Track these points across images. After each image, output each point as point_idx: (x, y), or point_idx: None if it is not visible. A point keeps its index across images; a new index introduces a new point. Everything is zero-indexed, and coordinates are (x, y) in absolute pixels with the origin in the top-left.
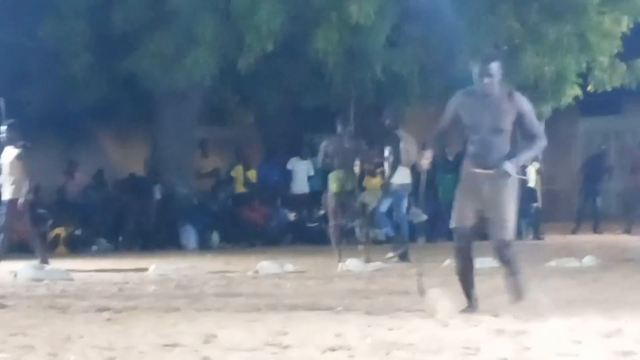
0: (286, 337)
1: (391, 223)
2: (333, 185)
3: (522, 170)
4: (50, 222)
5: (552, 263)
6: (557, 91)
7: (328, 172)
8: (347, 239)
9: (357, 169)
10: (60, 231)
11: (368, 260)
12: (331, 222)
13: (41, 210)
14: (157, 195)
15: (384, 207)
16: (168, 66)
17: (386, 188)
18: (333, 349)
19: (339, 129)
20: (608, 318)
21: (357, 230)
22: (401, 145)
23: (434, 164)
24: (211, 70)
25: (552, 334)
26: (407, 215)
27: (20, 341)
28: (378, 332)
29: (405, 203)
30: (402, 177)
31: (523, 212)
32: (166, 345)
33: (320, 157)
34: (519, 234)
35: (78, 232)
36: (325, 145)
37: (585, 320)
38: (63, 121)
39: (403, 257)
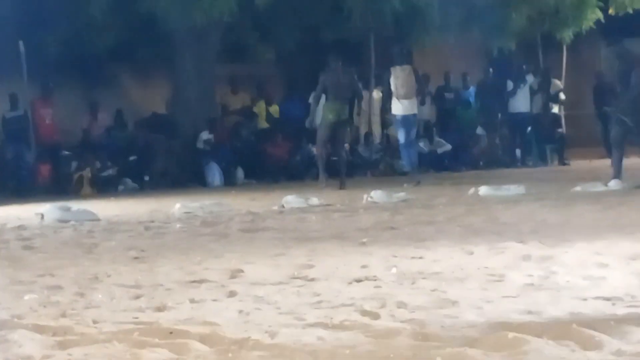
0: (312, 270)
1: (407, 154)
2: (329, 115)
3: (555, 96)
4: (75, 163)
5: (578, 188)
6: (578, 16)
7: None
8: (371, 171)
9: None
10: (86, 172)
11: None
12: (320, 150)
13: (65, 152)
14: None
15: (401, 138)
16: (186, 5)
17: (388, 121)
18: (359, 280)
19: (333, 63)
20: (634, 241)
21: (341, 160)
22: (391, 79)
23: (456, 94)
24: (229, 7)
25: (578, 258)
26: (415, 144)
27: (47, 282)
28: (403, 263)
29: (412, 132)
30: (401, 109)
31: (548, 138)
32: (192, 282)
33: (318, 90)
34: (544, 160)
35: (107, 172)
36: (322, 79)
37: (611, 243)
38: (83, 63)
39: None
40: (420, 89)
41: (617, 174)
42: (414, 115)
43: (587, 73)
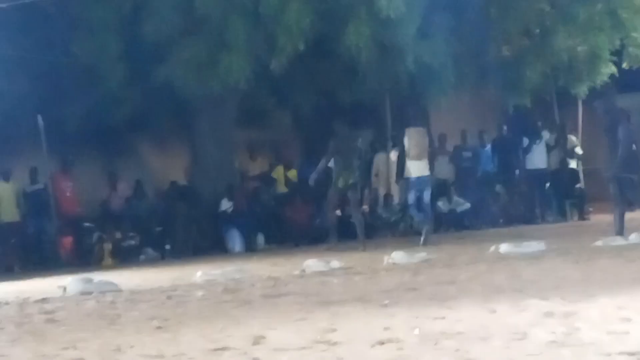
0: (335, 334)
1: (419, 213)
2: (338, 182)
3: (572, 152)
4: (97, 234)
5: (599, 242)
6: (592, 70)
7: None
8: (392, 232)
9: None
10: (107, 243)
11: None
12: (331, 214)
13: (87, 224)
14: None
15: (410, 199)
16: (202, 73)
17: (401, 184)
18: (382, 343)
19: (339, 129)
20: None
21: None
22: (405, 140)
23: (473, 153)
24: (245, 74)
25: (601, 313)
26: (429, 205)
27: (71, 355)
28: (426, 323)
29: (426, 193)
30: (415, 170)
31: (567, 193)
32: (216, 350)
33: (328, 156)
34: (564, 216)
35: (128, 242)
36: (331, 144)
37: (634, 297)
38: (102, 135)
39: (426, 242)
40: (432, 152)
41: (620, 231)
42: (427, 176)
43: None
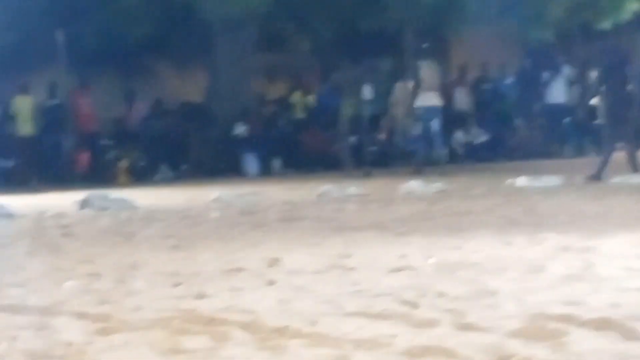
0: (350, 259)
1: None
2: (347, 111)
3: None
4: (113, 152)
5: (617, 179)
6: (616, 6)
7: (387, 96)
8: (409, 162)
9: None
10: (123, 161)
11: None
12: (343, 142)
13: (104, 141)
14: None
15: (417, 130)
16: None
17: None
18: (397, 270)
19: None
20: None
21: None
22: (420, 72)
23: (494, 85)
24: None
25: (617, 249)
26: (438, 136)
27: (87, 269)
28: (442, 253)
29: (435, 123)
30: (424, 100)
31: (586, 129)
32: (231, 270)
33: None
34: (582, 151)
35: (142, 161)
36: (334, 77)
37: None
38: (120, 53)
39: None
40: (451, 83)
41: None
42: (436, 107)
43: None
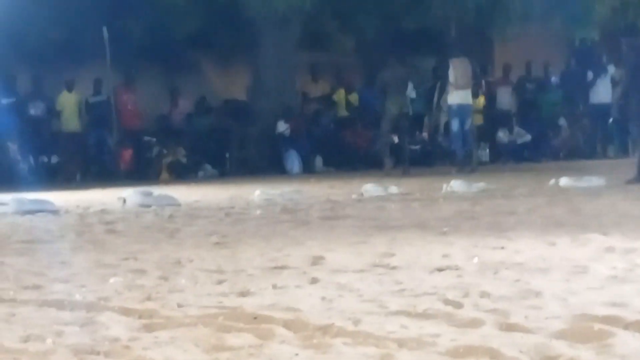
0: (393, 259)
1: (461, 142)
2: (392, 108)
3: None
4: (157, 149)
5: None
6: None
7: (427, 96)
8: (451, 161)
9: None
10: (167, 158)
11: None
12: (385, 140)
13: (147, 138)
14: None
15: (454, 127)
16: None
17: (440, 110)
18: (440, 269)
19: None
20: None
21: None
22: (450, 71)
23: (538, 84)
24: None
25: None
26: (469, 134)
27: (131, 265)
28: (485, 253)
29: (467, 121)
30: (457, 98)
31: (630, 128)
32: (274, 268)
33: (377, 86)
34: (626, 151)
35: (185, 159)
36: (380, 76)
37: None
38: (165, 50)
39: (461, 170)
40: (476, 82)
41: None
42: (469, 105)
43: None
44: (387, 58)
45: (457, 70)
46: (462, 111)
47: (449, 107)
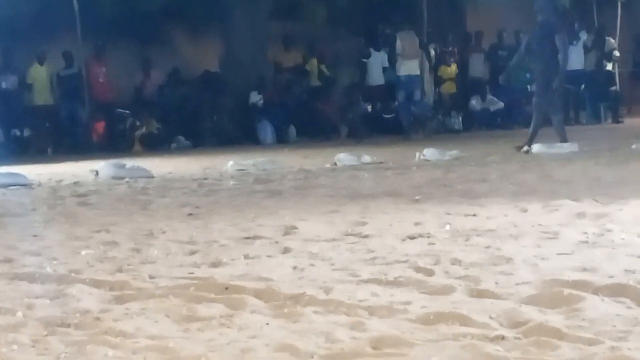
0: (365, 227)
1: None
2: (343, 79)
3: (609, 54)
4: (129, 121)
5: (633, 146)
6: None
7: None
8: (423, 129)
9: None
10: (140, 130)
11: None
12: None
13: (120, 110)
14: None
15: (400, 98)
16: None
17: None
18: (413, 237)
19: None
20: None
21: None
22: (397, 43)
23: (510, 52)
24: None
25: (633, 215)
26: (419, 104)
27: (103, 237)
28: (457, 220)
29: (416, 92)
30: (405, 69)
31: (601, 95)
32: (247, 238)
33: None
34: (598, 118)
35: (158, 130)
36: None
37: None
38: (136, 22)
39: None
40: (426, 53)
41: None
42: (417, 75)
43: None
44: (359, 28)
45: (404, 41)
46: (410, 81)
47: (397, 77)
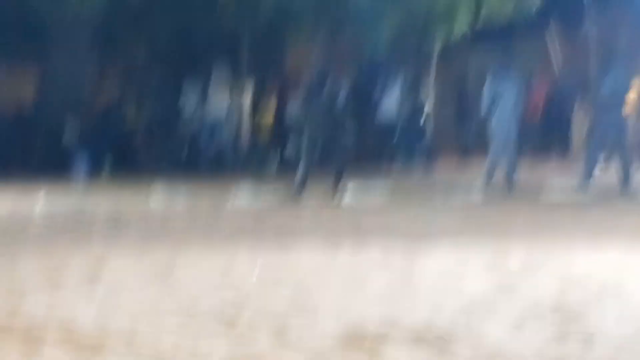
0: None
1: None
2: None
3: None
4: None
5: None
6: (448, 21)
7: None
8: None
9: None
10: None
11: None
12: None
13: None
14: None
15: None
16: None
17: None
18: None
19: None
20: None
21: None
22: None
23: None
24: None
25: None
26: None
27: None
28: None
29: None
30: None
31: (414, 147)
32: (51, 285)
33: None
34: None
35: None
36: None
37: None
38: None
39: None
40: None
41: None
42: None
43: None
44: (180, 68)
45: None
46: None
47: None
